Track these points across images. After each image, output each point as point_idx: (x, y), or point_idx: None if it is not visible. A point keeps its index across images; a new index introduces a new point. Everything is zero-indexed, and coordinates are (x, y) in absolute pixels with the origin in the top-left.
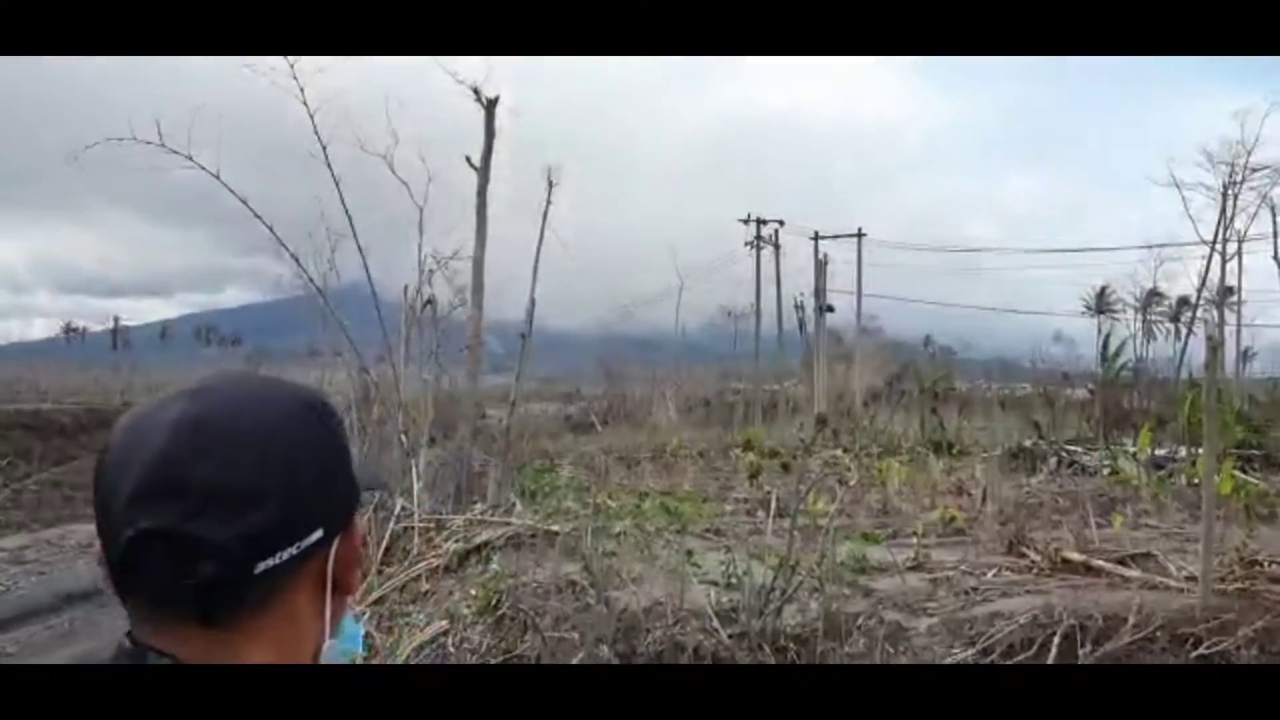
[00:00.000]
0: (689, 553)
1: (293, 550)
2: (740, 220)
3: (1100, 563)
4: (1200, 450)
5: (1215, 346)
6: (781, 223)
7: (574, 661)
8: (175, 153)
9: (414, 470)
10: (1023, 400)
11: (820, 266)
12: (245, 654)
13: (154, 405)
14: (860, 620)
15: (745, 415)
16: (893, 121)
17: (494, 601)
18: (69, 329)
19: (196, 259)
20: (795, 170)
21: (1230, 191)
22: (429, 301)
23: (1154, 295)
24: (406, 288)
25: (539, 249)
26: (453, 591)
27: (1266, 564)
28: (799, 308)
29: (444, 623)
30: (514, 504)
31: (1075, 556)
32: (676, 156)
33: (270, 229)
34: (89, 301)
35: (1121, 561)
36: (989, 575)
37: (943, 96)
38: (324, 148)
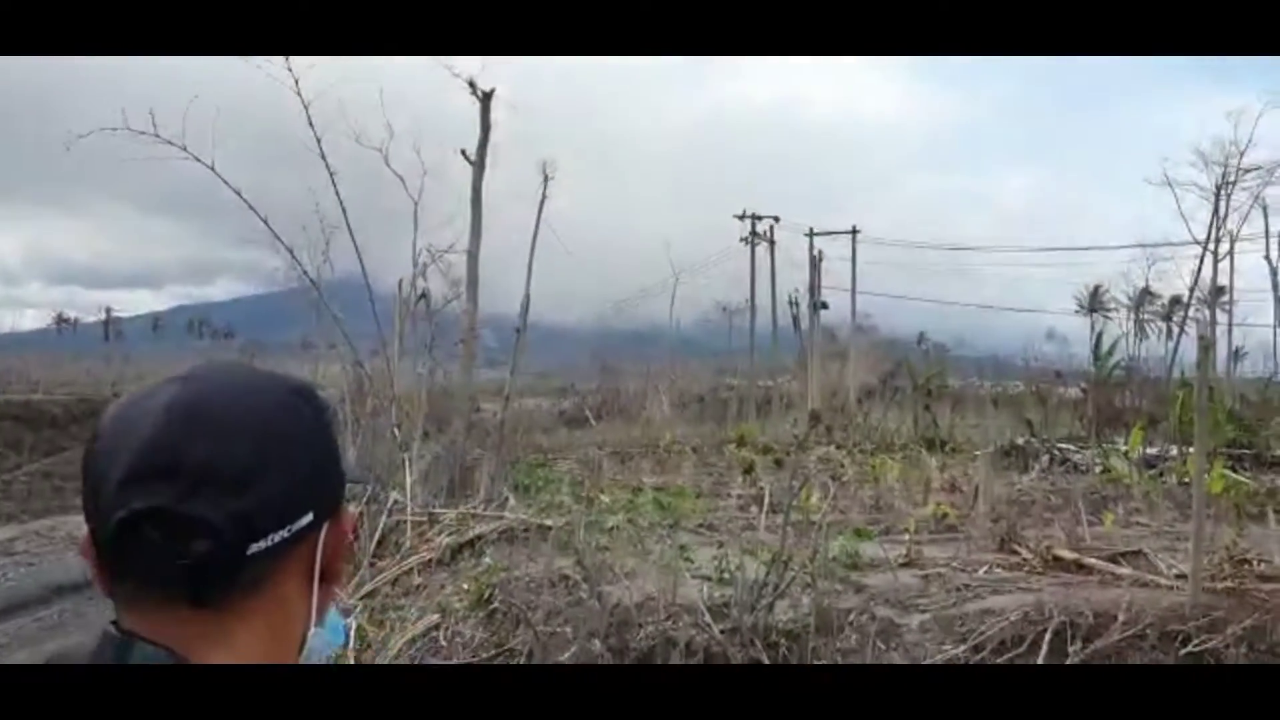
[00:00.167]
0: (682, 548)
1: (283, 533)
2: (736, 216)
3: (1091, 560)
4: (1191, 449)
5: (1207, 346)
6: (777, 219)
7: (566, 656)
8: (170, 144)
9: (407, 464)
10: (1015, 398)
11: (815, 263)
12: (236, 636)
13: (144, 392)
14: (852, 616)
15: (739, 411)
16: (888, 119)
17: (486, 595)
18: (61, 320)
19: (189, 251)
20: (791, 167)
21: (1223, 191)
22: (423, 295)
23: (1147, 294)
24: (401, 281)
25: (534, 243)
26: (445, 585)
27: (1256, 563)
28: (794, 304)
29: (436, 616)
30: (507, 498)
31: (1066, 554)
32: (672, 152)
33: (265, 221)
34: (81, 293)
35: (1112, 559)
36: (980, 572)
37: (938, 95)
38: (319, 140)
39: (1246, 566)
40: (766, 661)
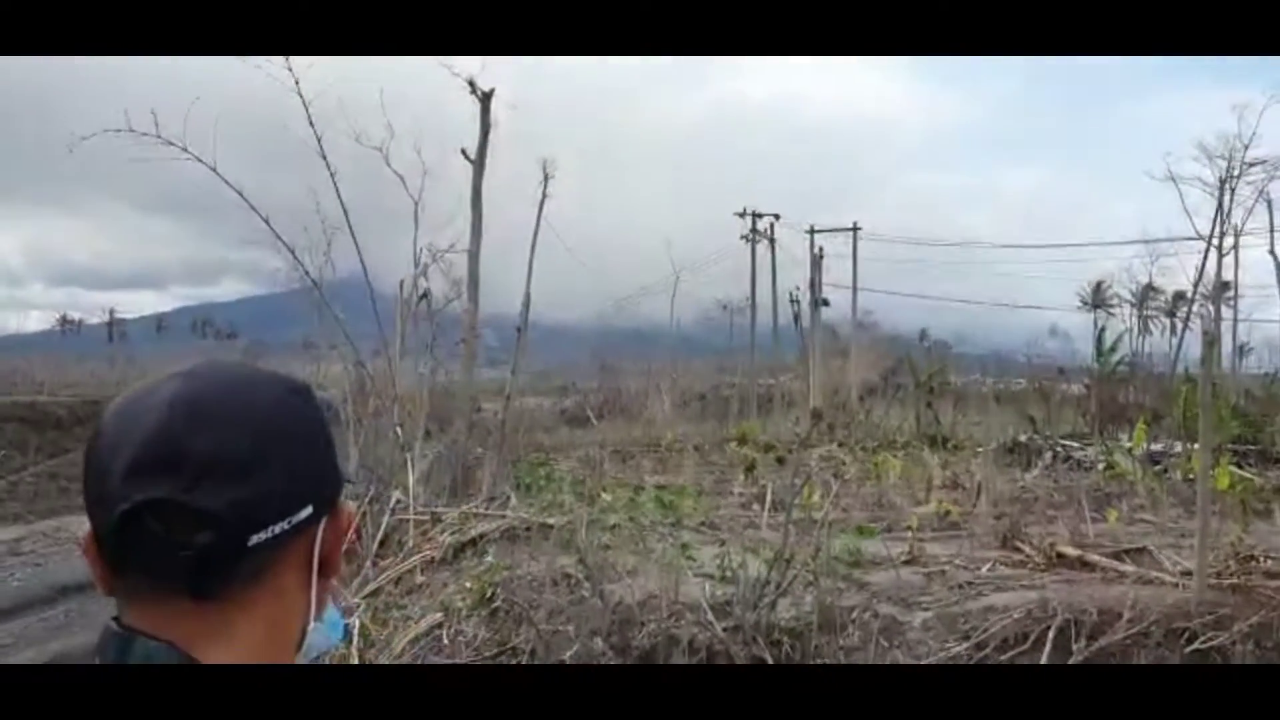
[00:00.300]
0: (684, 546)
1: (284, 525)
2: (736, 214)
3: (1095, 557)
4: (1196, 445)
5: (1211, 341)
6: (777, 216)
7: (568, 654)
8: (171, 144)
9: (409, 463)
10: (1018, 395)
11: (816, 261)
12: (236, 628)
13: (146, 388)
14: (855, 614)
15: (740, 409)
16: (890, 116)
17: (489, 594)
18: (65, 321)
19: (191, 252)
20: (791, 165)
21: (1227, 186)
22: (424, 295)
23: (1150, 290)
24: (402, 281)
25: (534, 242)
26: (447, 584)
27: (1262, 559)
28: (795, 302)
29: (439, 615)
30: (509, 497)
31: (1070, 551)
32: (673, 150)
33: (266, 221)
34: (84, 294)
35: (1116, 556)
36: (983, 570)
37: (938, 92)
38: (319, 140)
39: (1252, 563)
40: (769, 659)
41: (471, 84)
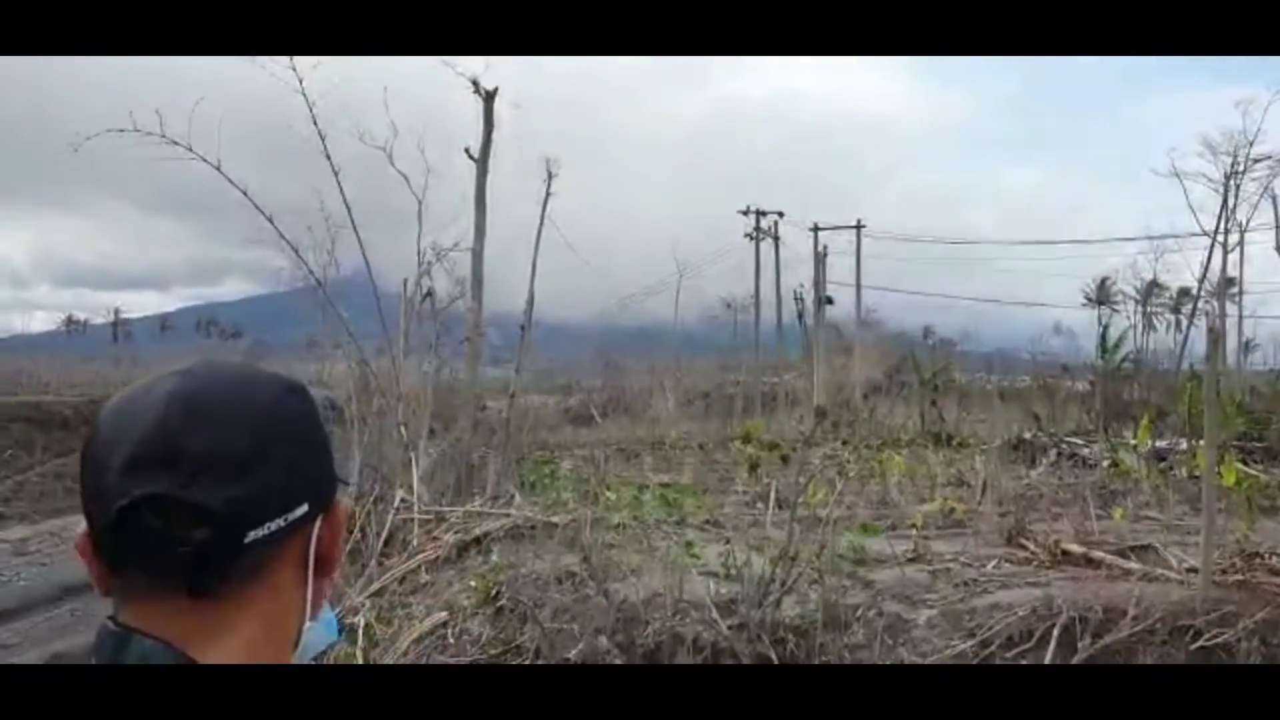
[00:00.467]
0: (688, 544)
1: (280, 522)
2: (740, 212)
3: (1100, 555)
4: (1201, 442)
5: (1216, 338)
6: (781, 214)
7: (573, 652)
8: (176, 144)
9: (414, 462)
10: (1022, 392)
11: (819, 258)
12: (233, 626)
13: (142, 387)
14: (860, 612)
15: (744, 408)
16: (893, 113)
17: (493, 593)
18: (70, 322)
19: (194, 251)
20: (794, 163)
21: (1232, 182)
22: (428, 294)
23: (1155, 287)
24: (406, 280)
25: (538, 240)
26: (452, 583)
27: (1267, 556)
28: (798, 300)
29: (444, 614)
30: (513, 496)
31: (1075, 548)
32: (676, 148)
33: (270, 220)
34: (88, 294)
35: (1121, 553)
36: (988, 567)
37: (941, 90)
38: (323, 139)
39: (1258, 560)
40: (774, 657)
41: (475, 83)
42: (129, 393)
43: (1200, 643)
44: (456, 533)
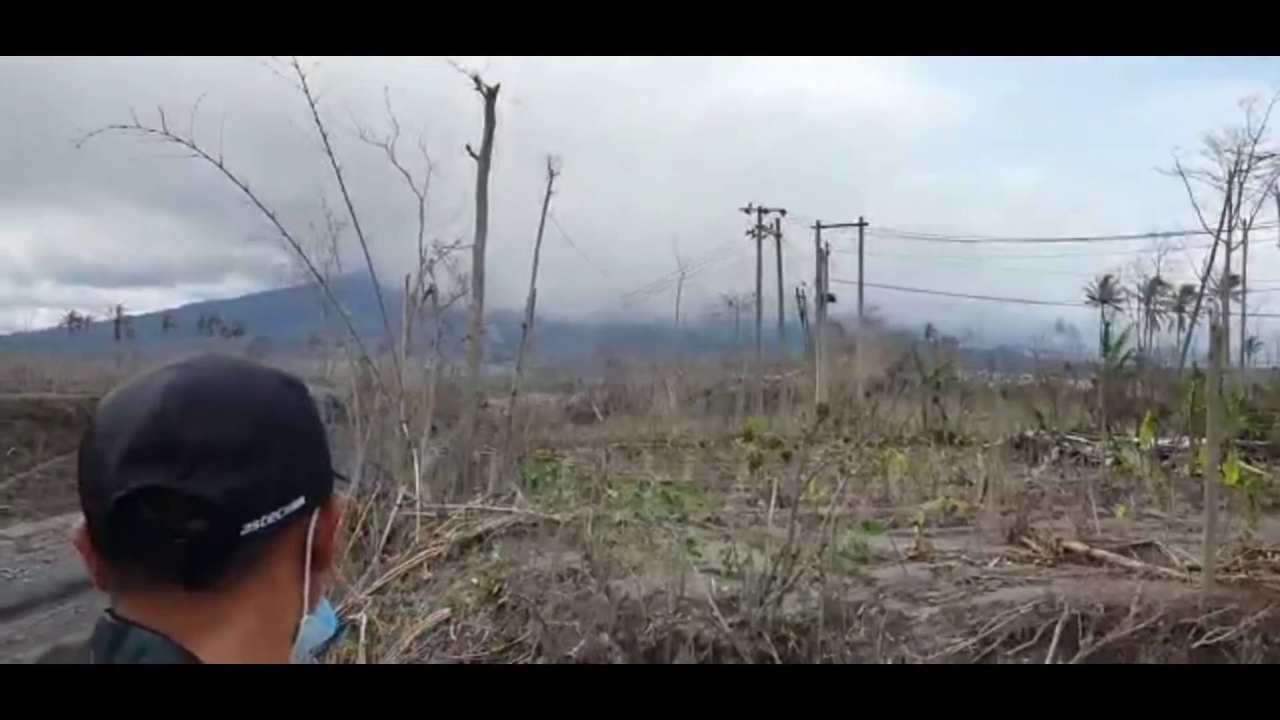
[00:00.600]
0: (690, 542)
1: (277, 515)
2: (742, 209)
3: (1102, 553)
4: (1204, 440)
5: (1219, 336)
6: (783, 211)
7: (575, 649)
8: (179, 141)
9: (415, 459)
10: (1025, 390)
11: (822, 256)
12: (230, 619)
13: (140, 381)
14: (861, 609)
15: (746, 405)
16: (894, 112)
17: (495, 590)
18: (73, 319)
19: (196, 249)
20: (796, 161)
21: (1236, 179)
22: (430, 291)
23: (1158, 284)
24: (408, 277)
25: (539, 238)
26: (454, 580)
27: (1270, 554)
28: (801, 297)
29: (446, 611)
30: (515, 493)
31: (1077, 546)
32: (676, 146)
33: (272, 217)
34: (91, 292)
35: (1124, 552)
36: (990, 565)
37: (944, 87)
38: (325, 137)
39: (1260, 558)
40: (775, 655)
41: (476, 80)
42: (127, 386)
43: (1202, 641)
44: (458, 530)
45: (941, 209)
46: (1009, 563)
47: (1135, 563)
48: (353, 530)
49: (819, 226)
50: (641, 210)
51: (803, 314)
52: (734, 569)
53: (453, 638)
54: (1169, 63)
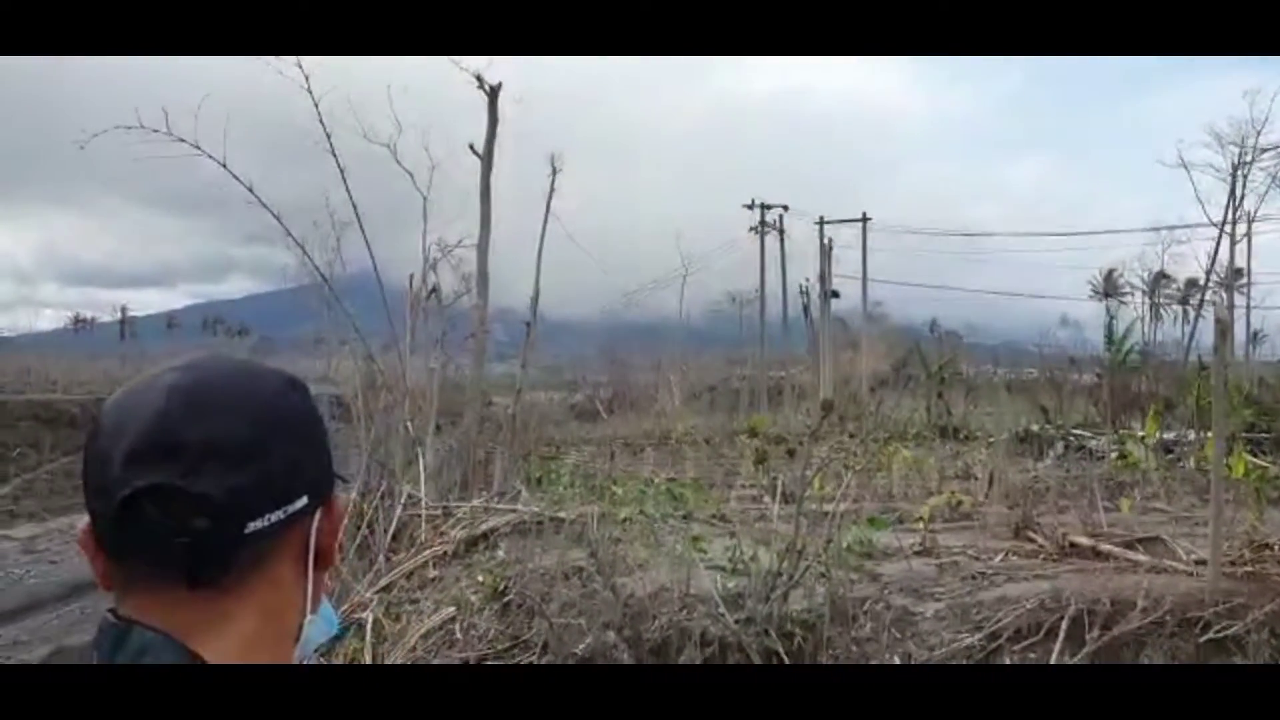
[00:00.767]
0: (695, 539)
1: (280, 514)
2: (745, 205)
3: (1108, 547)
4: (1209, 434)
5: (1224, 329)
6: (786, 207)
7: (580, 647)
8: (182, 141)
9: (420, 458)
10: (1029, 385)
11: (825, 251)
12: (232, 617)
13: (144, 381)
14: (867, 605)
15: (750, 402)
16: (896, 108)
17: (501, 588)
18: (77, 320)
19: (199, 249)
20: (799, 156)
21: (1239, 172)
22: (434, 290)
23: (1162, 278)
24: (411, 276)
25: (543, 236)
26: (460, 578)
27: (1276, 547)
28: (804, 293)
29: (451, 609)
30: (520, 491)
31: (1083, 541)
32: (678, 143)
33: (277, 217)
34: (95, 292)
35: (1130, 546)
36: (996, 560)
37: (949, 80)
38: (328, 136)
39: (1267, 551)
40: (781, 651)
41: (479, 79)
42: (131, 387)
43: (1209, 635)
44: (464, 528)
45: (944, 205)
46: (1014, 558)
47: (1141, 557)
48: (358, 529)
49: (822, 222)
50: (644, 207)
51: (806, 310)
52: (739, 565)
53: (458, 636)
54: (1171, 60)
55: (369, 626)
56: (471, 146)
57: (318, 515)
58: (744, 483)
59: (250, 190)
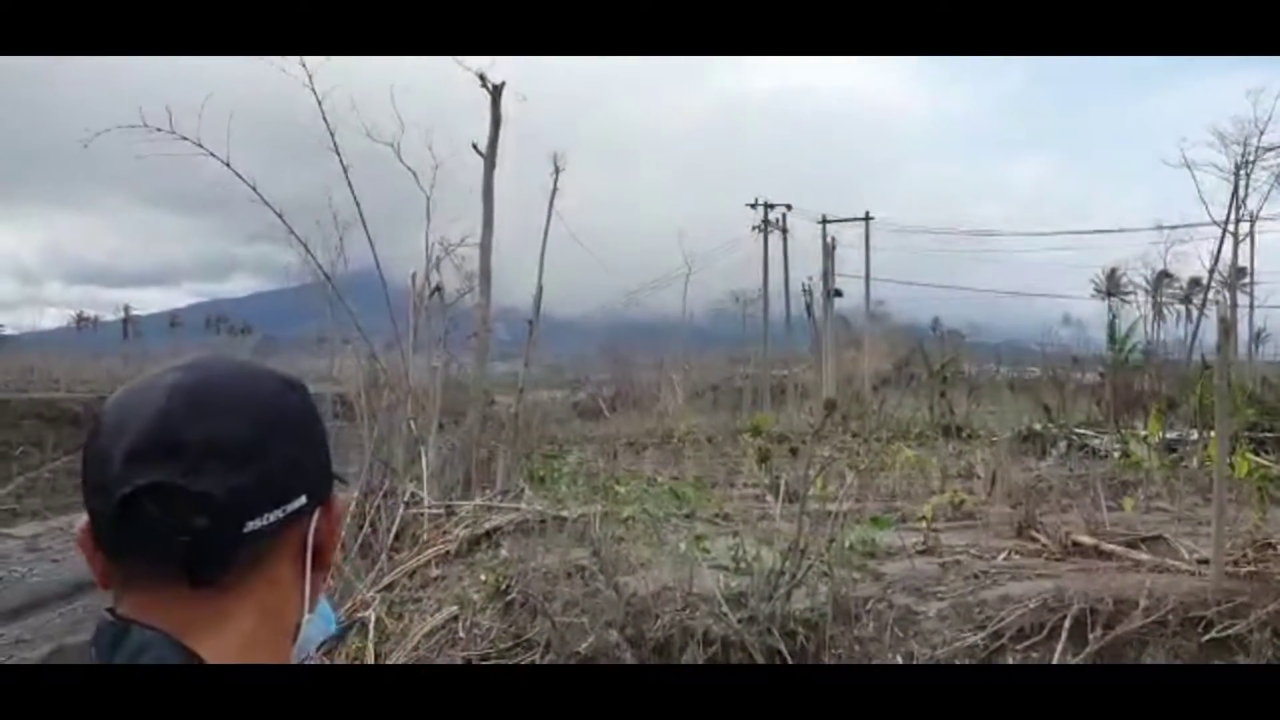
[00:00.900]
0: (698, 538)
1: (279, 513)
2: (748, 204)
3: (1111, 546)
4: (1212, 433)
5: (1227, 328)
6: (789, 206)
7: (583, 646)
8: (185, 139)
9: (423, 457)
10: (1032, 384)
11: (828, 250)
12: (231, 616)
13: (144, 381)
14: (869, 604)
15: (753, 401)
16: (898, 105)
17: (503, 587)
18: (80, 319)
19: (202, 248)
20: (801, 155)
21: (1243, 171)
22: (437, 289)
23: (1165, 277)
24: (414, 275)
25: (545, 235)
26: (462, 577)
27: (1279, 546)
28: (807, 292)
29: (454, 608)
30: (523, 490)
31: (1085, 540)
32: (680, 142)
33: (280, 216)
34: (98, 292)
35: (1132, 545)
36: (999, 559)
37: (949, 80)
38: (331, 135)
39: (1270, 551)
40: (784, 649)
41: (482, 77)
42: (131, 386)
43: (1212, 634)
44: (466, 527)
45: (946, 204)
46: (1017, 557)
47: (1144, 556)
48: (361, 528)
49: (825, 221)
50: (646, 207)
51: (809, 309)
52: (742, 564)
53: (461, 635)
54: (1173, 60)
55: (371, 625)
56: (475, 145)
57: (316, 515)
58: (747, 482)
59: (253, 189)
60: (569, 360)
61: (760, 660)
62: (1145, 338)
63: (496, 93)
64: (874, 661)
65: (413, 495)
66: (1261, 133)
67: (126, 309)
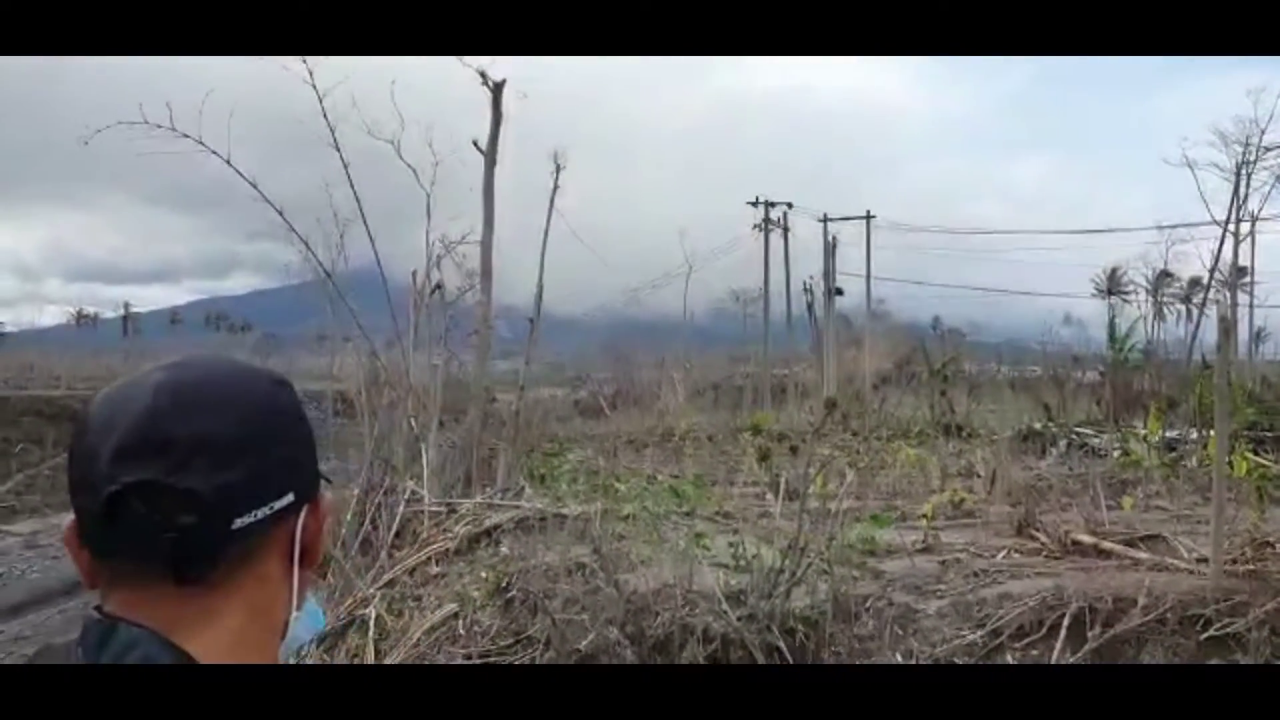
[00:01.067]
0: (698, 536)
1: (266, 510)
2: (749, 203)
3: (1110, 545)
4: (1211, 432)
5: (1227, 327)
6: (790, 205)
7: (583, 643)
8: (186, 136)
9: (423, 454)
10: (1032, 383)
11: (830, 249)
12: (219, 614)
13: (131, 380)
14: (869, 602)
15: (754, 399)
16: (899, 105)
17: (504, 584)
18: (81, 316)
19: (203, 246)
20: (802, 154)
21: (1244, 171)
22: (437, 286)
23: (1165, 276)
24: (415, 273)
25: (546, 233)
26: (463, 574)
27: (1278, 546)
28: (808, 291)
29: (454, 605)
30: (523, 487)
31: (1085, 539)
32: (681, 140)
33: (280, 213)
34: (99, 289)
35: (1132, 543)
36: (998, 557)
37: (950, 80)
38: (332, 132)
39: (1269, 550)
40: (784, 647)
41: (483, 75)
42: (118, 384)
43: (1210, 633)
44: (466, 525)
45: (947, 203)
46: (1017, 555)
47: (1143, 555)
48: (361, 525)
49: (825, 220)
50: (646, 205)
51: (810, 308)
52: (742, 562)
53: (461, 632)
54: (1173, 60)
55: (372, 622)
56: (475, 143)
57: (303, 512)
58: (747, 480)
59: (254, 186)
60: (570, 358)
61: (760, 658)
62: (1145, 337)
63: (497, 90)
64: (873, 659)
65: (413, 493)
66: (1262, 132)
67: (126, 306)
